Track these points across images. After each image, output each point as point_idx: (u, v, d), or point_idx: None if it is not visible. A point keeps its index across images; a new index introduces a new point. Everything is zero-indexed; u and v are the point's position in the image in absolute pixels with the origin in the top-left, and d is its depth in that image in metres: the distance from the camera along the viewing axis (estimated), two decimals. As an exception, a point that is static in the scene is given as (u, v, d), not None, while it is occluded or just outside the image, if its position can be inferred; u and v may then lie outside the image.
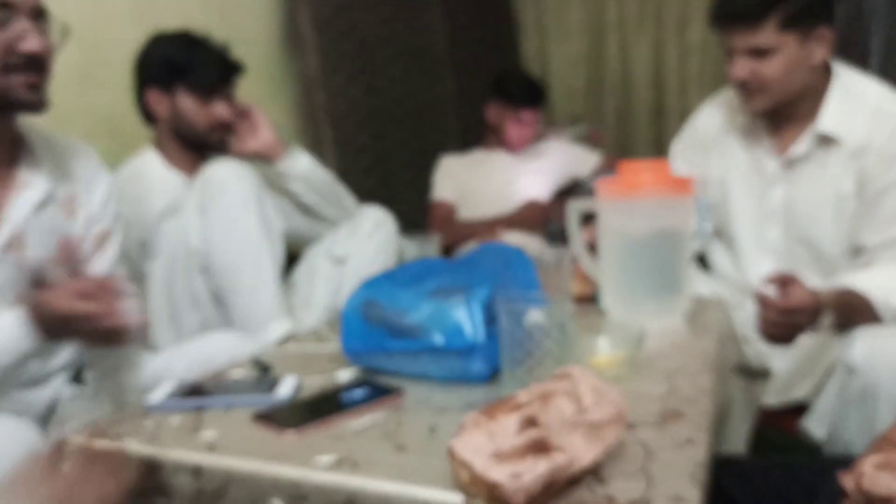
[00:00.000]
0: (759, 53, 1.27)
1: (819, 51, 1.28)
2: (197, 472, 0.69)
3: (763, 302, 1.06)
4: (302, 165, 1.54)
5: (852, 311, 1.13)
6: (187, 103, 1.46)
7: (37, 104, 0.97)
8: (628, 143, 3.73)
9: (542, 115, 2.50)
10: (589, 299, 1.24)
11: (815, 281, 1.26)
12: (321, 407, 0.79)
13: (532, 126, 2.42)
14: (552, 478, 0.57)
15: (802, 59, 1.28)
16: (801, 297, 1.06)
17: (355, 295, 0.93)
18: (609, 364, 0.85)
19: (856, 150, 1.28)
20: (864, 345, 1.10)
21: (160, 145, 1.52)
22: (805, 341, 1.30)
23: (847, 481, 0.66)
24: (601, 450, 0.62)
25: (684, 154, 1.53)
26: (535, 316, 0.74)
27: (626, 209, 1.01)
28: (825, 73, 1.34)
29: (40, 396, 1.08)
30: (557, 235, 2.27)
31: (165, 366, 1.13)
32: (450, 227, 2.30)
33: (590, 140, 2.99)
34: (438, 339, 0.84)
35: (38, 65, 0.95)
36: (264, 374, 0.93)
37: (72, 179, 1.09)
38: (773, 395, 1.32)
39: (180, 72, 1.44)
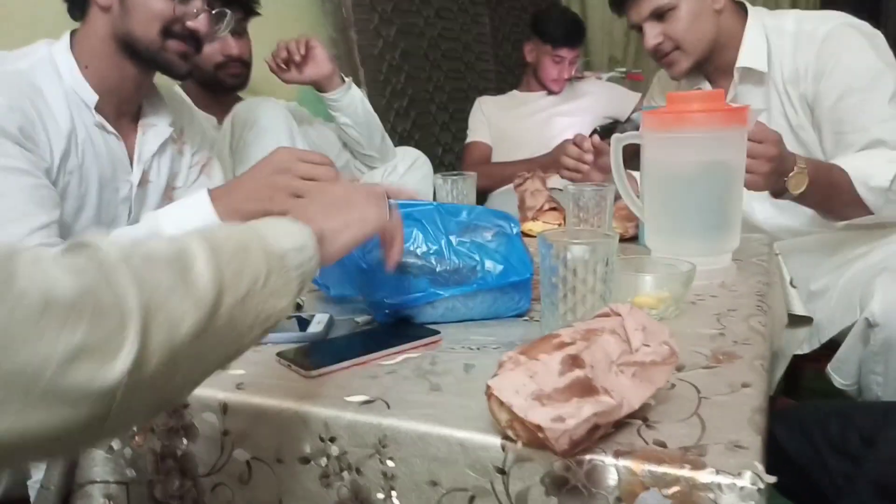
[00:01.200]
0: (661, 15, 1.31)
1: None
2: (224, 409, 0.67)
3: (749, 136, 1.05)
4: (352, 98, 1.58)
5: (828, 178, 1.15)
6: None
7: (181, 72, 1.06)
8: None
9: (580, 55, 2.41)
10: (631, 239, 1.19)
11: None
12: (348, 348, 0.75)
13: (571, 65, 2.33)
14: (598, 422, 0.53)
15: (704, 6, 1.30)
16: (763, 128, 1.05)
17: (371, 251, 0.82)
18: (655, 303, 0.80)
19: (790, 78, 1.29)
20: (883, 299, 1.14)
21: (185, 88, 1.49)
22: (827, 294, 1.27)
23: None
24: (651, 393, 0.57)
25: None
26: (578, 251, 0.69)
27: (675, 141, 0.94)
28: (738, 17, 1.34)
29: None
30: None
31: None
32: (486, 169, 2.24)
33: (629, 81, 2.87)
34: (497, 276, 0.81)
35: (195, 40, 1.05)
36: (296, 310, 0.90)
37: (177, 120, 1.17)
38: (802, 344, 1.31)
39: None
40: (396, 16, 2.41)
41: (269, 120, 1.41)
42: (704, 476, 0.50)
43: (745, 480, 0.49)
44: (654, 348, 0.59)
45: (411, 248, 0.81)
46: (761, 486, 0.49)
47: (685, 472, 0.50)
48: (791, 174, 1.08)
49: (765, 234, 1.27)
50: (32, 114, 0.93)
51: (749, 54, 1.32)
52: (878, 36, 1.29)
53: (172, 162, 1.16)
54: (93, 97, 1.02)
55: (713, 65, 1.37)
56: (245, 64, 1.54)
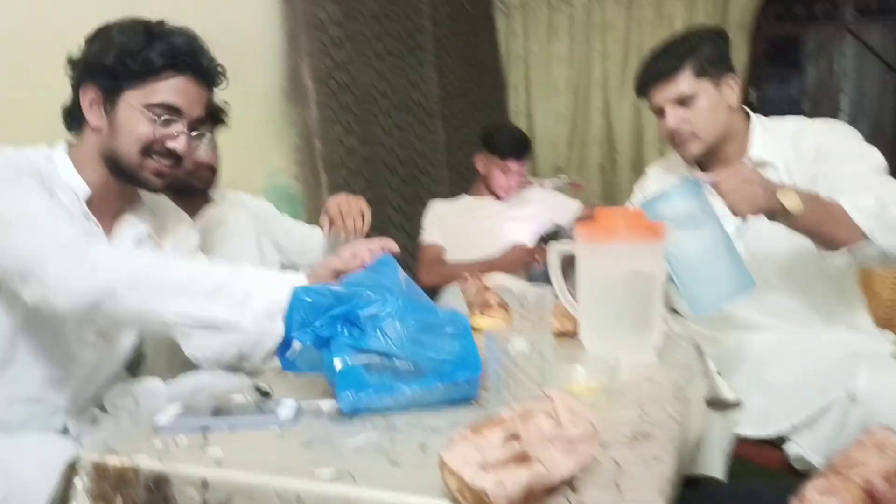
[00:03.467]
0: (683, 102, 1.48)
1: (732, 95, 1.50)
2: (204, 485, 0.75)
3: (716, 177, 1.20)
4: None
5: (823, 202, 1.24)
6: None
7: (154, 187, 1.18)
8: (610, 194, 3.87)
9: (527, 166, 2.62)
10: (571, 335, 1.32)
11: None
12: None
13: (518, 176, 2.53)
14: (532, 486, 0.64)
15: (720, 102, 1.49)
16: (733, 166, 1.21)
17: (339, 350, 0.91)
18: (585, 391, 0.92)
19: (793, 168, 1.45)
20: (867, 375, 1.22)
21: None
22: (781, 379, 1.39)
23: None
24: (576, 463, 0.69)
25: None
26: (519, 344, 0.81)
27: (602, 252, 1.10)
28: (743, 117, 1.54)
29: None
30: (540, 278, 2.35)
31: (172, 393, 1.20)
32: (438, 268, 2.39)
33: (571, 190, 3.11)
34: (452, 372, 0.91)
35: (175, 158, 1.15)
36: (265, 397, 0.99)
37: (160, 221, 1.29)
38: (750, 428, 1.39)
39: None
40: (358, 126, 2.60)
41: (237, 226, 1.53)
42: (618, 531, 0.61)
43: (651, 534, 0.60)
44: (580, 427, 0.70)
45: (379, 349, 0.91)
46: (664, 539, 0.60)
47: (603, 528, 0.61)
48: (780, 192, 1.20)
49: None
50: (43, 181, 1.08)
51: (758, 146, 1.49)
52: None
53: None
54: (85, 190, 1.14)
55: (718, 155, 1.52)
56: (212, 169, 1.66)
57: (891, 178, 1.37)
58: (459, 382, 0.92)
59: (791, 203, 1.18)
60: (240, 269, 1.03)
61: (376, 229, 2.66)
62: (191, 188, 1.64)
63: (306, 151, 2.37)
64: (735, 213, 1.21)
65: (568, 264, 1.20)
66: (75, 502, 0.80)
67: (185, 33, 1.15)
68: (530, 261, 2.32)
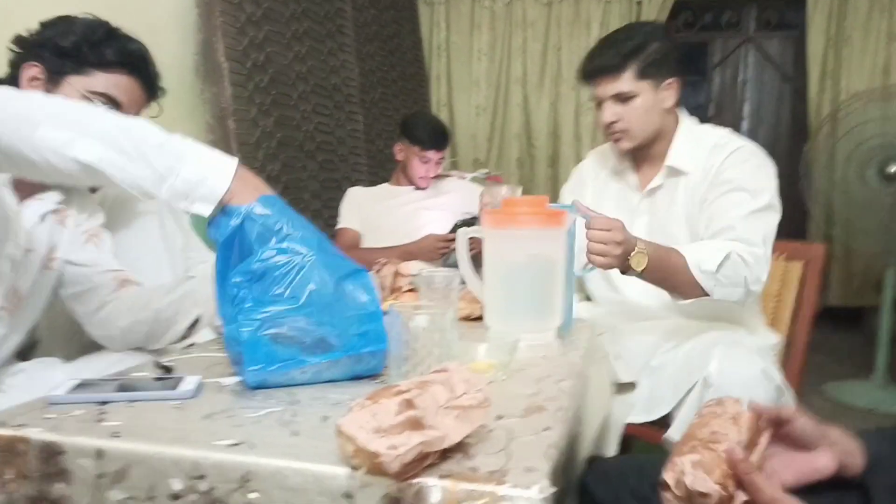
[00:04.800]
0: (623, 99, 1.55)
1: (669, 97, 1.58)
2: (99, 454, 0.74)
3: (593, 226, 1.29)
4: None
5: (667, 260, 1.37)
6: None
7: None
8: (528, 186, 3.98)
9: (445, 156, 2.66)
10: (477, 318, 1.36)
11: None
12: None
13: (436, 165, 2.57)
14: (425, 450, 0.67)
15: (657, 104, 1.57)
16: (607, 219, 1.29)
17: (247, 324, 0.90)
18: (485, 368, 0.96)
19: (699, 179, 1.55)
20: (718, 362, 1.34)
21: None
22: (667, 368, 1.48)
23: (668, 478, 0.78)
24: (469, 429, 0.72)
25: (570, 194, 1.77)
26: (420, 320, 0.84)
27: (506, 237, 1.14)
28: (674, 119, 1.63)
29: None
30: (455, 266, 2.40)
31: (72, 371, 1.16)
32: (353, 253, 2.38)
33: (489, 182, 3.18)
34: (358, 345, 0.93)
35: None
36: (166, 372, 0.98)
37: (67, 198, 1.28)
38: (640, 414, 1.49)
39: None
40: (274, 108, 2.57)
41: (142, 207, 1.50)
42: (504, 490, 0.65)
43: (534, 492, 0.64)
44: (472, 395, 0.74)
45: (285, 324, 0.91)
46: (546, 495, 0.64)
47: (489, 488, 0.65)
48: (633, 254, 1.31)
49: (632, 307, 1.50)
50: None
51: (676, 155, 1.58)
52: (774, 166, 1.55)
53: (51, 234, 1.22)
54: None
55: (646, 152, 1.63)
56: None
57: (761, 220, 1.47)
58: (364, 355, 0.94)
59: (639, 266, 1.32)
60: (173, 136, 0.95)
61: (292, 214, 2.65)
62: None
63: (219, 132, 2.33)
64: (589, 262, 1.31)
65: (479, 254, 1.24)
66: (-39, 476, 0.78)
67: (140, 43, 1.29)
68: (445, 249, 2.36)
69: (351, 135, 3.16)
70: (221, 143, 2.33)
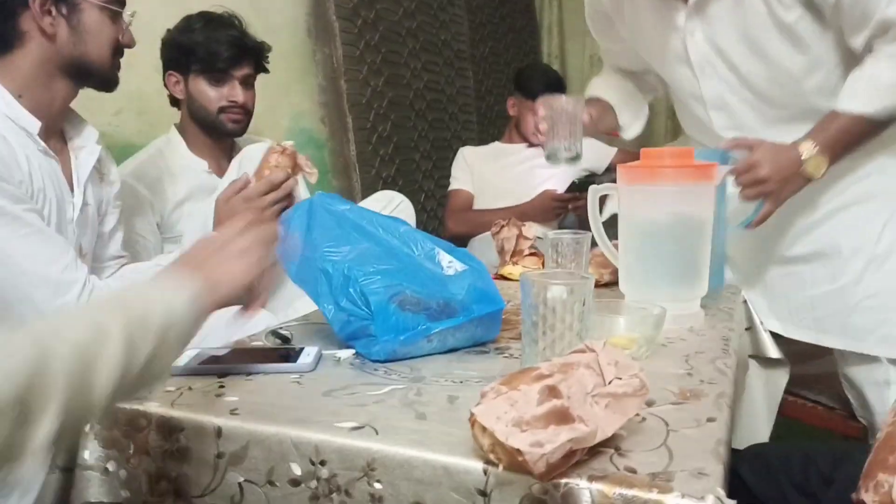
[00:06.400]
0: None
1: None
2: (218, 434, 0.70)
3: (736, 175, 1.11)
4: None
5: (845, 133, 1.12)
6: (198, 86, 1.48)
7: (117, 83, 1.16)
8: (647, 138, 3.73)
9: (562, 110, 2.51)
10: (607, 284, 1.24)
11: (768, 133, 1.17)
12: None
13: (552, 119, 2.42)
14: (573, 447, 0.57)
15: None
16: (743, 160, 1.10)
17: (375, 291, 0.86)
18: (628, 344, 0.85)
19: None
20: None
21: (182, 129, 1.54)
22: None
23: (867, 498, 0.64)
24: (622, 422, 0.62)
25: (594, 24, 1.55)
26: (557, 291, 0.74)
27: (646, 194, 1.01)
28: None
29: None
30: (572, 227, 2.26)
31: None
32: (467, 216, 2.31)
33: (606, 135, 2.99)
34: (479, 308, 0.89)
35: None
36: (284, 342, 0.94)
37: (69, 126, 1.19)
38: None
39: (192, 54, 1.46)
40: (385, 67, 2.50)
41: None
42: (671, 499, 0.54)
43: (708, 503, 0.53)
44: (625, 381, 0.63)
45: (406, 289, 0.87)
46: (722, 508, 0.53)
47: (653, 496, 0.54)
48: (804, 164, 1.10)
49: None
50: None
51: None
52: None
53: (99, 186, 1.21)
54: (35, 124, 1.06)
55: None
56: (247, 112, 1.56)
57: None
58: (484, 318, 0.89)
59: (818, 171, 1.11)
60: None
61: (402, 175, 2.60)
62: (220, 128, 1.54)
63: (332, 92, 2.29)
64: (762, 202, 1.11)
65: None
66: (87, 450, 0.76)
67: None
68: (561, 209, 2.23)
69: (461, 92, 3.06)
70: (333, 105, 2.29)
